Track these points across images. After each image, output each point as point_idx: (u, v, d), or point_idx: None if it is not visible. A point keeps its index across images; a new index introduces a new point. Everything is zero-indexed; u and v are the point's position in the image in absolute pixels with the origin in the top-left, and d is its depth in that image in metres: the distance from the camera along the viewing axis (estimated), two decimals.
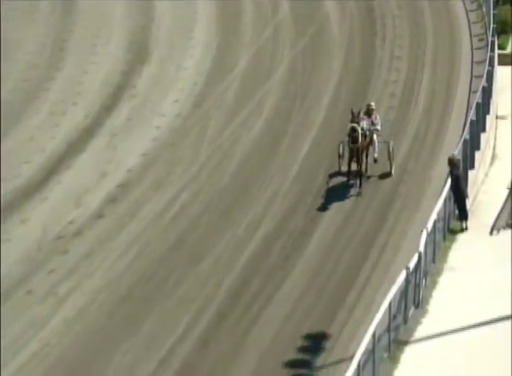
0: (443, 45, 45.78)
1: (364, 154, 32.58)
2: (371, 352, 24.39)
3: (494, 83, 40.16)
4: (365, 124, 32.59)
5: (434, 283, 28.89)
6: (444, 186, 31.71)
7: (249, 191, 35.15)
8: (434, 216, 29.71)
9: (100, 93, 42.85)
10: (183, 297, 29.42)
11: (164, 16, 49.19)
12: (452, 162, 31.78)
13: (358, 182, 32.48)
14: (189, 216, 33.89)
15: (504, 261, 29.91)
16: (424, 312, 27.64)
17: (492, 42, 42.88)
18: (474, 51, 44.63)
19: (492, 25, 43.77)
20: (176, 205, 34.50)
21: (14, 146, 38.96)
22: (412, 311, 27.42)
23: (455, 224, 32.16)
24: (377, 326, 24.60)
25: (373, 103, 34.45)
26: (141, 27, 48.62)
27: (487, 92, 38.44)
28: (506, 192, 34.29)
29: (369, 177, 33.08)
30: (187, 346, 27.29)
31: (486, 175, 36.90)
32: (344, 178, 33.77)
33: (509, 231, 32.51)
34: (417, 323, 27.09)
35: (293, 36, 47.01)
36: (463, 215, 32.10)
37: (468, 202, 32.74)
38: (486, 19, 45.39)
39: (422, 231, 28.72)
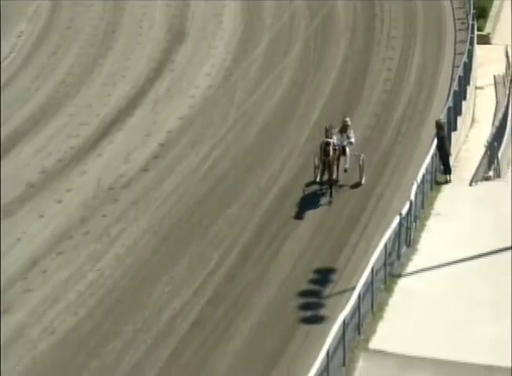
0: (431, 27, 45.53)
1: (335, 166, 30.01)
2: (370, 283, 24.45)
3: (473, 59, 39.99)
4: (335, 139, 30.07)
5: (422, 226, 28.86)
6: (431, 145, 31.58)
7: (269, 150, 34.92)
8: (422, 170, 29.70)
9: (145, 68, 42.73)
10: (214, 237, 29.43)
11: (199, 5, 48.97)
12: (438, 125, 31.75)
13: (329, 191, 30.15)
14: (219, 170, 33.80)
15: (481, 207, 30.12)
16: (415, 250, 27.65)
17: (472, 25, 42.69)
18: (457, 32, 44.33)
19: (472, 11, 43.59)
20: (208, 161, 34.39)
21: (75, 111, 38.97)
22: (404, 249, 27.42)
23: (440, 177, 32.03)
24: (375, 262, 24.72)
25: (348, 119, 31.53)
26: (179, 14, 48.41)
27: (467, 67, 38.28)
28: (482, 150, 34.07)
29: (341, 186, 30.66)
30: (217, 278, 27.34)
31: (467, 135, 36.82)
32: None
33: (485, 182, 32.56)
34: (409, 259, 27.12)
35: (307, 20, 46.68)
36: (447, 169, 32.02)
37: (451, 159, 32.67)
38: (467, 5, 45.01)
39: (413, 183, 28.68)
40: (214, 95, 39.77)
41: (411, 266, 26.79)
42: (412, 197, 27.96)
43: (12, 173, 33.92)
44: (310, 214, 30.48)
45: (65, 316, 25.89)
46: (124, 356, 24.19)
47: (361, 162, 31.00)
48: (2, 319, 25.68)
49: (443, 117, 32.84)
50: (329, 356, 21.72)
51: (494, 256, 26.85)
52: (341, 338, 22.61)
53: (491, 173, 33.11)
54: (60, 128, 37.53)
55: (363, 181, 31.04)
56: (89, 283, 27.31)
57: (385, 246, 25.55)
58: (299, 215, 30.27)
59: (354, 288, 24.00)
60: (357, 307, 23.58)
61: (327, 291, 26.43)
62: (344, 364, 22.66)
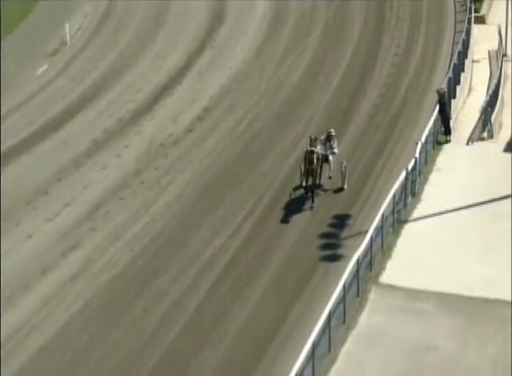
0: (435, 10, 44.93)
1: (318, 173, 27.36)
2: (380, 228, 24.28)
3: (471, 37, 39.53)
4: (319, 148, 27.30)
5: (425, 180, 28.54)
6: (433, 111, 31.16)
7: (295, 113, 34.58)
8: (426, 132, 29.33)
9: (191, 44, 42.55)
10: (248, 188, 29.23)
11: None
12: (439, 93, 31.40)
13: (311, 196, 27.40)
14: (252, 131, 33.56)
15: (476, 163, 29.78)
16: (419, 200, 27.42)
17: (470, 7, 42.23)
18: (457, 14, 43.82)
19: None
20: (243, 123, 34.15)
21: (132, 80, 38.96)
22: (409, 199, 27.18)
23: (441, 137, 31.55)
24: (385, 209, 24.54)
25: (332, 130, 28.50)
26: (219, 2, 47.90)
27: (466, 44, 37.86)
28: (478, 114, 33.67)
29: (325, 190, 28.00)
30: (250, 223, 27.10)
31: (464, 102, 36.40)
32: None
33: (479, 142, 32.26)
34: (413, 207, 26.91)
35: (327, 5, 46.13)
36: (447, 130, 31.61)
37: (451, 122, 32.20)
38: None
39: (417, 143, 28.37)
40: (248, 68, 39.49)
41: (415, 213, 26.58)
42: (417, 154, 27.71)
43: (80, 131, 34.15)
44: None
45: (123, 252, 25.88)
46: (171, 287, 24.13)
47: (343, 169, 28.11)
48: (72, 254, 25.66)
49: (444, 86, 32.46)
50: (345, 289, 21.68)
51: (485, 205, 26.63)
52: (356, 273, 22.54)
53: (485, 134, 32.88)
54: (119, 94, 37.50)
55: (345, 186, 28.19)
56: (143, 225, 27.25)
57: (393, 196, 25.46)
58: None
59: (367, 231, 23.89)
60: (369, 247, 23.53)
61: (344, 233, 26.22)
62: (358, 296, 22.66)
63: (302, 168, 27.42)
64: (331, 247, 25.46)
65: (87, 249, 25.98)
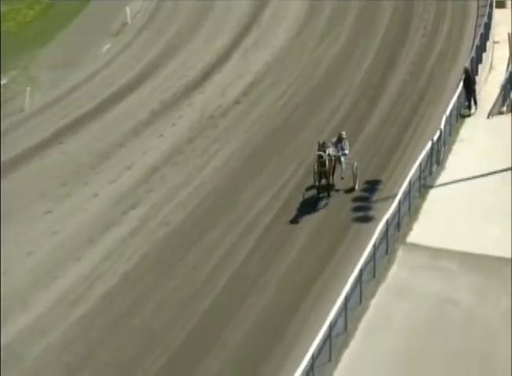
0: None
1: (330, 174, 25.36)
2: (408, 192, 23.98)
3: (492, 20, 38.54)
4: (331, 150, 25.24)
5: (449, 150, 27.99)
6: (457, 87, 30.61)
7: (331, 88, 34.12)
8: (450, 106, 28.78)
9: (237, 26, 42.13)
10: (288, 155, 28.96)
11: None
12: (465, 70, 30.95)
13: (326, 193, 25.53)
14: (292, 104, 33.19)
15: (496, 135, 29.03)
16: (443, 168, 26.96)
17: None
18: None
19: None
20: (284, 97, 33.79)
21: (185, 58, 38.68)
22: (435, 167, 26.75)
23: (465, 111, 30.93)
24: (412, 176, 24.23)
25: (343, 132, 26.29)
26: None
27: (487, 26, 36.99)
28: (498, 90, 32.98)
29: (337, 190, 25.77)
30: (290, 187, 26.81)
31: (486, 79, 35.52)
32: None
33: (499, 116, 31.37)
34: (438, 174, 26.47)
35: None
36: (470, 104, 31.02)
37: (474, 96, 31.56)
38: None
39: (442, 116, 27.87)
40: (289, 47, 39.01)
41: (440, 180, 26.15)
42: (442, 126, 27.21)
43: (139, 103, 34.03)
44: (363, 135, 29.89)
45: (177, 211, 25.80)
46: (220, 243, 24.03)
47: (354, 170, 25.88)
48: (131, 212, 25.61)
49: (468, 65, 31.78)
50: (375, 247, 21.47)
51: (504, 173, 26.04)
52: (385, 233, 22.30)
53: (504, 109, 32.05)
54: (174, 71, 37.32)
55: (357, 186, 25.99)
56: (194, 187, 27.14)
57: (420, 164, 25.09)
58: (355, 138, 29.45)
59: (395, 196, 23.58)
60: (397, 210, 23.26)
61: (374, 197, 25.88)
62: (386, 253, 22.44)
63: (315, 168, 25.41)
64: (363, 210, 25.14)
65: (144, 208, 25.96)
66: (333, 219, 24.79)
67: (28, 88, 34.88)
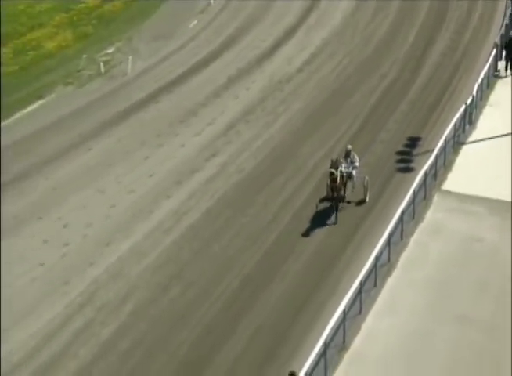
0: None
1: (342, 189, 21.89)
2: (444, 147, 23.47)
3: None
4: (343, 167, 21.91)
5: (480, 112, 27.19)
6: (487, 60, 29.41)
7: (380, 59, 33.17)
8: (481, 75, 27.80)
9: (301, 9, 40.89)
10: (342, 115, 28.40)
11: None
12: (509, 39, 30.16)
13: (335, 209, 21.87)
14: (347, 72, 32.37)
15: None
16: (474, 127, 26.25)
17: None
18: None
19: None
20: (340, 66, 32.98)
21: (257, 33, 37.70)
22: (467, 127, 26.01)
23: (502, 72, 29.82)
24: (447, 134, 23.79)
25: (349, 146, 22.88)
26: None
27: None
28: None
29: (349, 202, 22.25)
30: (345, 140, 26.18)
31: None
32: None
33: None
34: (470, 133, 25.83)
35: None
36: (508, 65, 30.02)
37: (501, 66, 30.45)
38: None
39: (475, 83, 27.01)
40: (344, 26, 37.88)
41: (471, 138, 25.50)
42: (474, 92, 26.43)
43: (219, 70, 33.67)
44: (407, 98, 29.13)
45: (249, 160, 25.59)
46: (285, 187, 23.78)
47: (365, 183, 22.49)
48: (212, 160, 25.52)
49: (497, 40, 30.69)
50: (415, 193, 21.06)
51: None
52: (423, 182, 21.81)
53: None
54: (248, 43, 36.62)
55: (367, 199, 22.51)
56: (264, 140, 26.84)
57: (455, 124, 24.44)
58: (400, 100, 28.96)
59: (433, 150, 22.99)
60: (434, 163, 22.76)
61: (415, 151, 25.35)
62: (424, 199, 22.08)
63: (328, 182, 21.98)
64: (405, 162, 24.68)
65: (223, 157, 25.83)
66: (380, 169, 24.35)
67: (130, 57, 34.82)
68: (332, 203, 21.84)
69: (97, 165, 25.70)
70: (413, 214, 21.14)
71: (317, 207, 22.00)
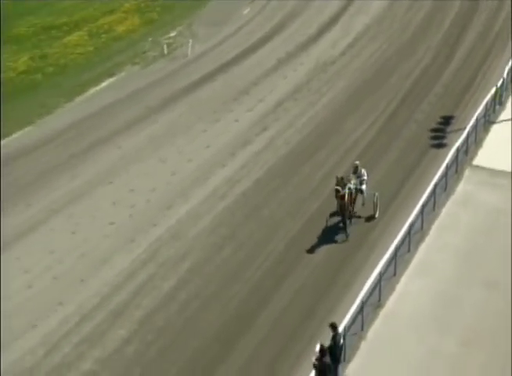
0: None
1: (350, 206, 19.37)
2: (475, 126, 22.51)
3: None
4: (352, 183, 19.47)
5: (510, 93, 25.97)
6: None
7: (417, 44, 32.05)
8: (511, 59, 26.68)
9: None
10: (381, 94, 27.56)
11: None
12: None
13: (344, 226, 19.36)
14: (385, 56, 31.30)
15: None
16: (503, 107, 25.31)
17: None
18: None
19: None
20: (379, 51, 31.92)
21: (301, 23, 36.50)
22: (497, 107, 25.07)
23: None
24: (479, 113, 22.79)
25: (357, 162, 20.44)
26: None
27: None
28: None
29: (359, 217, 19.83)
30: (382, 119, 25.58)
31: None
32: None
33: None
34: (500, 113, 24.88)
35: None
36: None
37: None
38: None
39: (505, 67, 26.09)
40: (383, 15, 36.43)
41: (501, 117, 24.61)
42: (504, 75, 25.54)
43: (270, 53, 33.02)
44: (441, 81, 28.06)
45: (295, 134, 25.18)
46: (327, 160, 23.35)
47: (375, 199, 19.84)
48: (262, 134, 25.13)
49: None
50: (447, 168, 20.44)
51: None
52: (455, 157, 21.11)
53: None
54: (295, 30, 35.63)
55: (377, 215, 19.89)
56: (309, 117, 26.32)
57: (486, 104, 23.68)
58: (434, 83, 27.96)
59: (465, 128, 22.18)
60: (466, 140, 22.04)
61: (448, 129, 24.54)
62: (456, 172, 21.42)
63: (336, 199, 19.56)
64: (438, 138, 23.93)
65: (272, 131, 25.43)
66: (415, 145, 23.70)
67: (190, 40, 34.49)
68: (342, 219, 19.24)
69: (160, 137, 25.58)
70: (446, 187, 20.52)
71: (327, 222, 19.38)
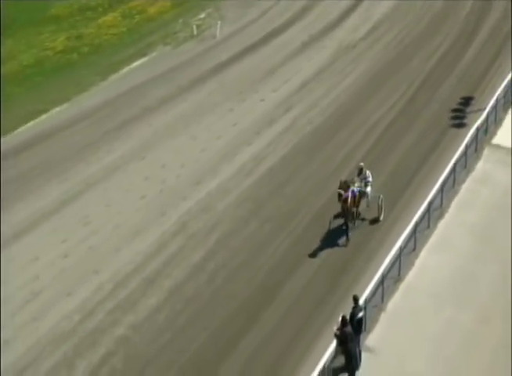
0: None
1: (353, 209, 18.04)
2: (494, 107, 21.85)
3: None
4: (356, 186, 18.12)
5: None
6: None
7: (434, 32, 30.80)
8: None
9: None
10: (402, 77, 26.79)
11: None
12: None
13: (346, 230, 17.92)
14: (404, 42, 30.18)
15: None
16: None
17: None
18: None
19: None
20: (399, 37, 30.90)
21: (325, 7, 35.55)
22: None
23: None
24: (498, 94, 22.07)
25: (362, 164, 18.85)
26: None
27: None
28: None
29: (363, 219, 18.50)
30: (402, 101, 24.95)
31: None
32: None
33: None
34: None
35: None
36: None
37: None
38: None
39: None
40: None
41: None
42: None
43: (294, 36, 32.30)
44: (460, 65, 27.25)
45: (318, 115, 24.64)
46: (349, 139, 22.81)
47: (380, 202, 18.45)
48: (286, 114, 24.63)
49: None
50: (467, 147, 19.85)
51: None
52: (475, 137, 20.53)
53: None
54: (318, 15, 34.51)
55: (381, 218, 18.47)
56: (332, 98, 25.66)
57: (505, 85, 23.03)
58: (454, 65, 27.13)
59: (485, 108, 21.56)
60: (485, 120, 21.41)
61: (468, 109, 23.86)
62: (475, 151, 20.82)
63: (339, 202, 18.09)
64: (458, 119, 23.28)
65: (295, 112, 24.95)
66: (436, 125, 23.10)
67: (219, 22, 33.97)
68: (344, 222, 17.83)
69: (190, 115, 25.29)
70: (465, 164, 20.02)
71: (330, 223, 18.01)
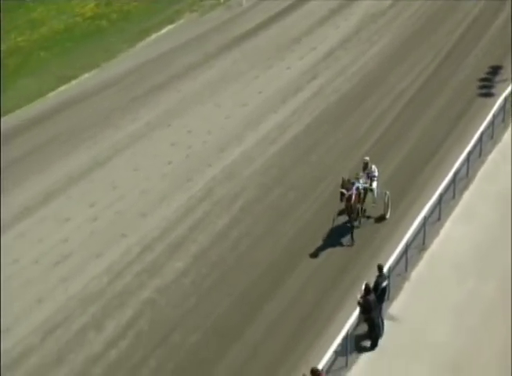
0: None
1: (356, 208, 16.55)
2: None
3: None
4: (361, 182, 16.75)
5: None
6: None
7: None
8: None
9: None
10: (423, 51, 25.79)
11: None
12: None
13: (351, 231, 16.58)
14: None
15: None
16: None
17: None
18: None
19: None
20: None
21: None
22: None
23: None
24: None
25: (367, 158, 17.32)
26: None
27: None
28: None
29: (368, 217, 17.11)
30: (428, 72, 24.14)
31: None
32: None
33: None
34: None
35: None
36: None
37: None
38: None
39: None
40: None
41: None
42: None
43: (321, 4, 31.24)
44: (489, 33, 26.20)
45: (345, 83, 23.94)
46: (375, 108, 22.15)
47: (386, 199, 17.04)
48: (311, 83, 23.91)
49: None
50: (494, 117, 19.08)
51: None
52: (502, 107, 19.84)
53: None
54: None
55: (388, 215, 17.09)
56: (359, 66, 24.84)
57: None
58: (480, 35, 26.06)
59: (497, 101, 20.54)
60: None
61: (496, 78, 23.01)
62: (503, 121, 20.13)
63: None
64: (486, 88, 22.47)
65: (322, 79, 24.30)
66: (463, 94, 22.32)
67: None
68: (348, 220, 16.58)
69: (216, 82, 24.77)
70: (492, 134, 19.34)
71: (333, 221, 16.55)
